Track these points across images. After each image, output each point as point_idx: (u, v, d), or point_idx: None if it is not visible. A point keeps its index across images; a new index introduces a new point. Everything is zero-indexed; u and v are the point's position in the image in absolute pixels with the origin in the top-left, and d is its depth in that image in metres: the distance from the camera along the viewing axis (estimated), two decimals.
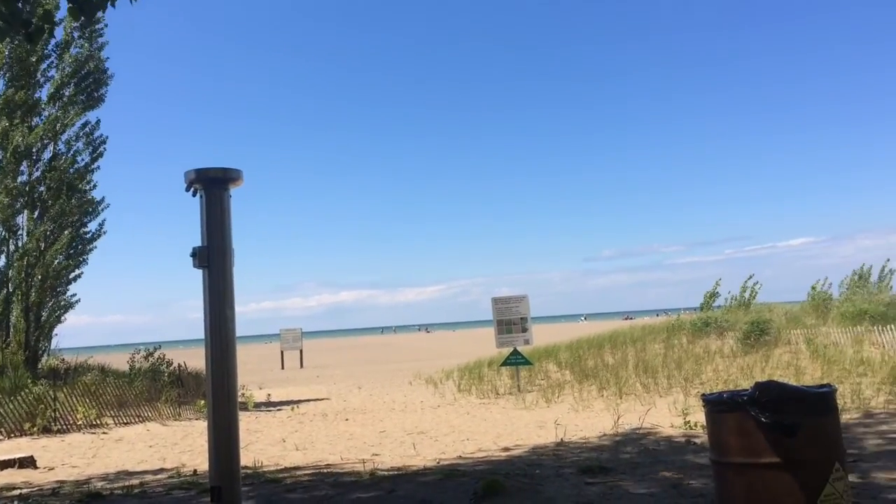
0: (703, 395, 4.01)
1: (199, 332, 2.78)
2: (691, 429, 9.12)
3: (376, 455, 9.05)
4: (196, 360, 10.94)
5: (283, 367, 33.88)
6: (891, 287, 32.25)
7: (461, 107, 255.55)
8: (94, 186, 20.59)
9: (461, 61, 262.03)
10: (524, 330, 17.52)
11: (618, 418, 10.26)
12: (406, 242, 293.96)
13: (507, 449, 8.98)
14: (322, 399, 17.34)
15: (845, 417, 8.77)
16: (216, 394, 2.71)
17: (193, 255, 2.75)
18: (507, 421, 12.02)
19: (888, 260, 37.17)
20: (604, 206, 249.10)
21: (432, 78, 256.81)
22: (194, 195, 2.82)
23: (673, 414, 10.38)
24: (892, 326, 19.38)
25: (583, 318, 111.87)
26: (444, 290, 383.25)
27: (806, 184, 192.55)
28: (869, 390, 10.87)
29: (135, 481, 7.72)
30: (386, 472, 7.50)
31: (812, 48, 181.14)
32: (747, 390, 3.73)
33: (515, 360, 16.53)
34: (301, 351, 36.27)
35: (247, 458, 8.73)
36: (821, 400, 3.76)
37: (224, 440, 2.69)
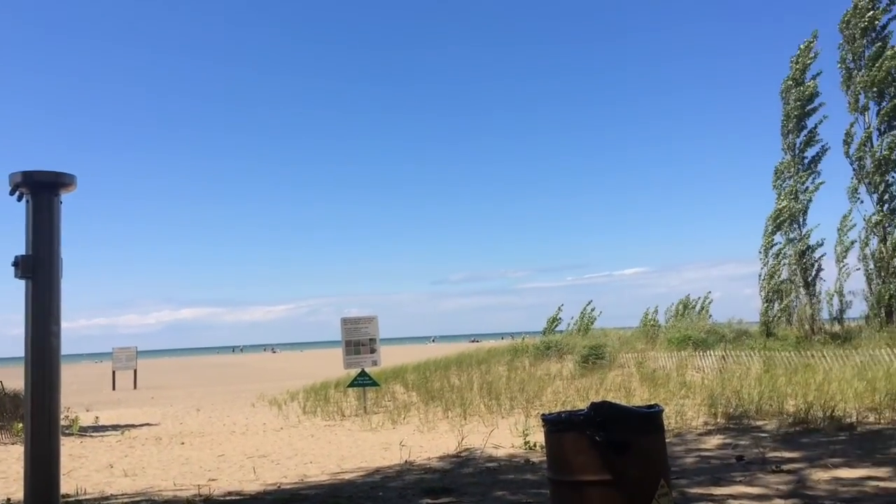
0: (543, 415, 4.16)
1: (20, 349, 2.56)
2: (531, 449, 9.42)
3: (213, 480, 8.66)
4: (15, 379, 10.06)
5: (114, 388, 31.79)
6: (710, 315, 35.13)
7: (312, 127, 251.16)
8: None
9: (310, 71, 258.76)
10: (373, 351, 17.46)
11: (462, 439, 10.41)
12: (254, 258, 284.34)
13: (351, 471, 8.88)
14: (156, 422, 16.41)
15: (669, 437, 9.40)
16: (36, 416, 2.50)
17: (15, 264, 2.53)
18: (352, 443, 11.90)
19: (709, 292, 40.47)
20: (454, 230, 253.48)
21: (288, 88, 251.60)
22: (19, 199, 2.60)
23: (514, 434, 10.67)
24: (711, 352, 21.06)
25: (431, 341, 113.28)
26: (292, 309, 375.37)
27: (639, 217, 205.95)
28: (690, 411, 11.69)
29: None
30: (222, 498, 7.21)
31: (646, 89, 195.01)
32: (584, 410, 3.90)
33: (363, 382, 16.42)
34: (135, 371, 34.22)
35: (68, 486, 8.10)
36: (649, 419, 4.00)
37: (43, 466, 2.48)
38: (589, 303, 37.81)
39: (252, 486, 8.01)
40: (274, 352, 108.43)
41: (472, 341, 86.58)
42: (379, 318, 17.77)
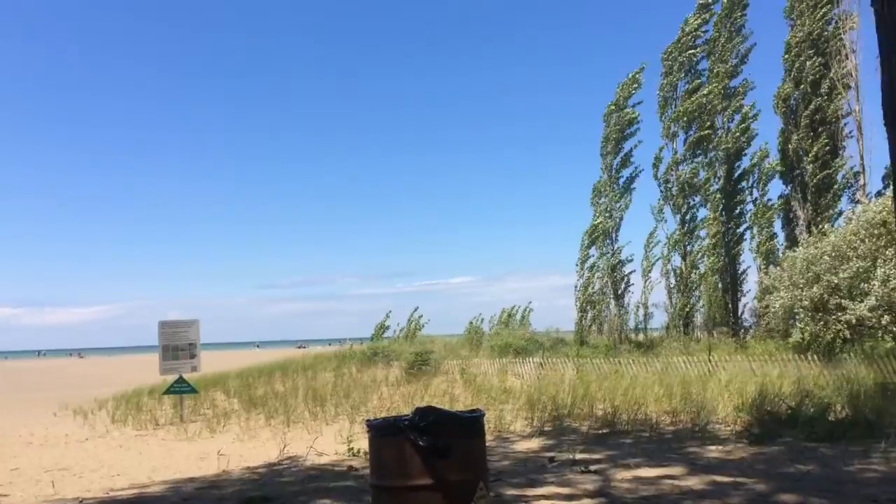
0: (368, 420, 4.16)
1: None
2: (355, 455, 9.39)
3: (4, 496, 7.89)
4: None
5: None
6: (530, 324, 36.82)
7: (125, 121, 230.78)
8: None
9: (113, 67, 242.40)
10: (192, 356, 16.67)
11: (284, 447, 10.20)
12: (59, 255, 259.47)
13: (162, 483, 8.42)
14: None
15: (489, 440, 9.72)
16: None
17: None
18: (165, 453, 11.28)
19: (530, 302, 42.41)
20: (286, 233, 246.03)
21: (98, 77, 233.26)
22: None
23: (339, 441, 10.59)
24: (530, 359, 22.08)
25: (256, 346, 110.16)
26: (105, 311, 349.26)
27: (468, 227, 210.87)
28: (509, 416, 12.16)
29: None
30: None
31: (475, 98, 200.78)
32: (408, 416, 3.95)
33: (180, 388, 15.63)
34: None
35: None
36: (471, 424, 4.12)
37: None
38: (416, 309, 38.32)
39: (50, 502, 7.38)
40: (81, 357, 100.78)
41: (299, 347, 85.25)
42: (201, 322, 17.02)
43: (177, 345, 16.58)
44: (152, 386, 19.40)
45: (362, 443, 9.01)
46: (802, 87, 27.28)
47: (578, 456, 8.51)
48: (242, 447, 11.38)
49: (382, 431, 4.01)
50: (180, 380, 15.77)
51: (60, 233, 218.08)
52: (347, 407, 14.72)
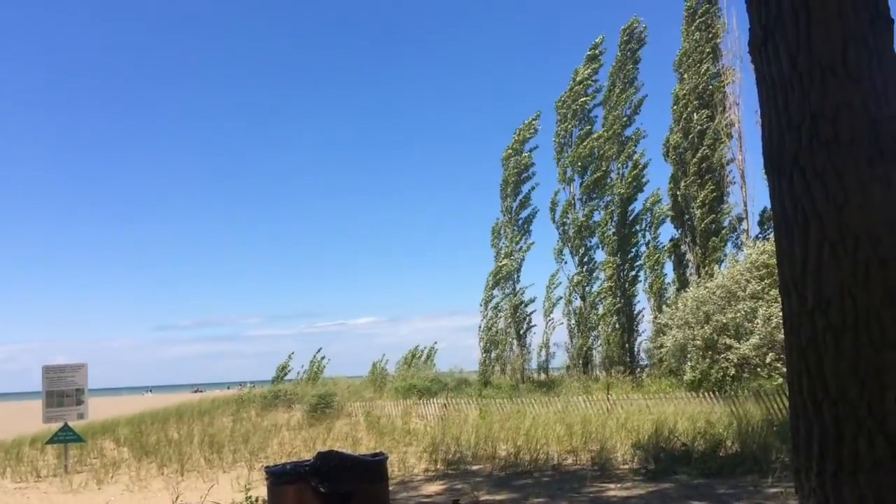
0: (267, 467, 4.06)
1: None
2: None
3: None
4: None
5: None
6: (435, 365, 36.78)
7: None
8: None
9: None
10: (79, 403, 15.78)
11: (177, 497, 9.75)
12: None
13: None
14: None
15: (392, 484, 9.60)
16: None
17: None
18: None
19: (435, 342, 42.45)
20: (181, 273, 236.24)
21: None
22: None
23: (236, 490, 10.22)
24: (434, 400, 22.06)
25: (148, 392, 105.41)
26: None
27: (372, 267, 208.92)
28: (413, 458, 12.07)
29: None
30: None
31: (380, 142, 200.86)
32: (309, 461, 3.88)
33: (65, 437, 14.73)
34: None
35: None
36: (374, 468, 4.08)
37: None
38: (319, 350, 37.78)
39: None
40: None
41: (195, 391, 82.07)
42: (90, 367, 16.18)
43: (62, 390, 15.70)
44: (35, 435, 18.23)
45: (262, 490, 8.73)
46: (691, 136, 28.83)
47: (482, 498, 8.52)
48: (132, 498, 10.82)
49: (282, 478, 3.91)
50: (66, 428, 14.89)
51: None
52: (246, 453, 14.25)
